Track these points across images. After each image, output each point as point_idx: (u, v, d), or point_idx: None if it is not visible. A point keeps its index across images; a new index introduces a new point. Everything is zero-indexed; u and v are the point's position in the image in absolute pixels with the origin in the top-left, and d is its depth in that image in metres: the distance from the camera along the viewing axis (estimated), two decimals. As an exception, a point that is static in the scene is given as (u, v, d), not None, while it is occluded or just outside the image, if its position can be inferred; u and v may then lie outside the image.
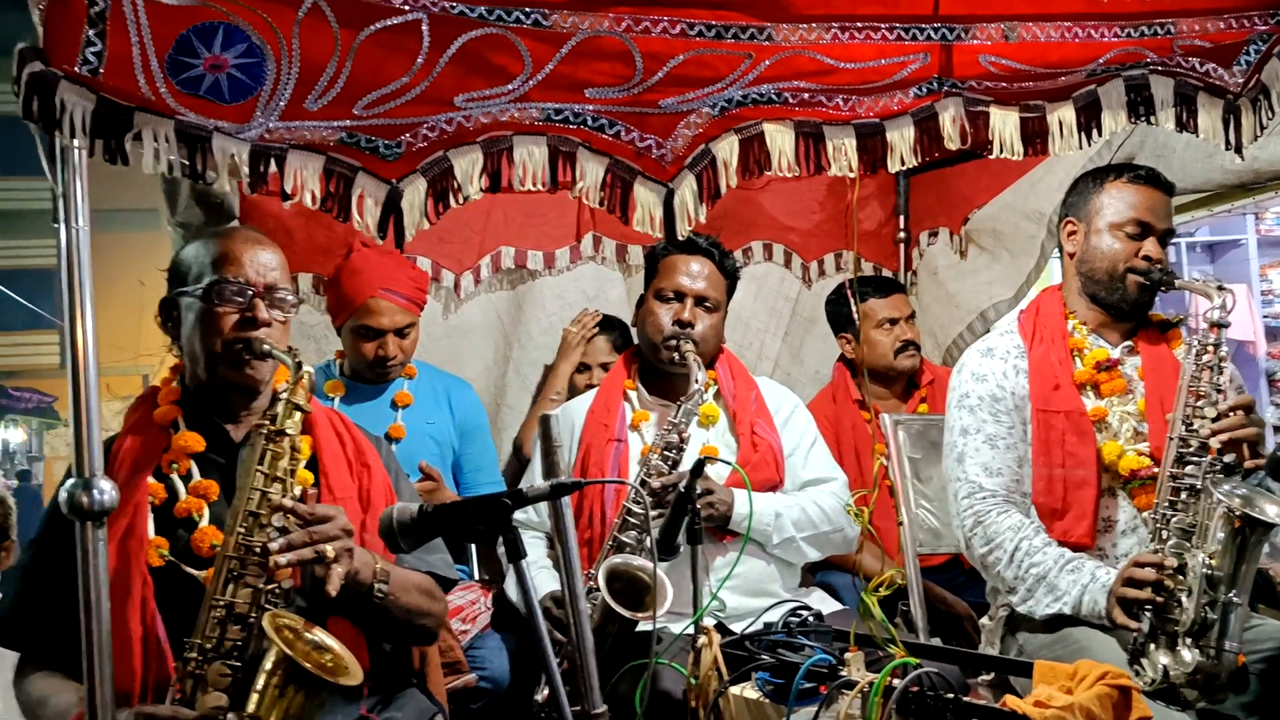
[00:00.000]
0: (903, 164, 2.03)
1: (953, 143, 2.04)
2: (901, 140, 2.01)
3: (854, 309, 3.34)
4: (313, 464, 2.11)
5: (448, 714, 2.36)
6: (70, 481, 1.54)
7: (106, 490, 1.52)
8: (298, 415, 1.94)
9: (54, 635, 1.95)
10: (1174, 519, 2.33)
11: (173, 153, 1.63)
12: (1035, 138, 2.08)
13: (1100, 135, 2.10)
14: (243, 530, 1.87)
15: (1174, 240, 4.49)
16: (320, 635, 1.84)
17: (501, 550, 2.94)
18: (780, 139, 1.95)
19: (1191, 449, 2.36)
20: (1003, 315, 3.69)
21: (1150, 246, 2.54)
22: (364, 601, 1.96)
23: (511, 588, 2.83)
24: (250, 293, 2.04)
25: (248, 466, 1.92)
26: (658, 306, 2.84)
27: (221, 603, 1.84)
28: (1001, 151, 2.07)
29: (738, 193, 3.43)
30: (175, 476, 2.05)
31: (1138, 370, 2.58)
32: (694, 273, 2.84)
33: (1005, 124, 2.04)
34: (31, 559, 2.05)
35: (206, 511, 2.02)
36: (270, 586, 1.86)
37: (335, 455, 2.13)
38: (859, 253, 3.97)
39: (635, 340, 3.05)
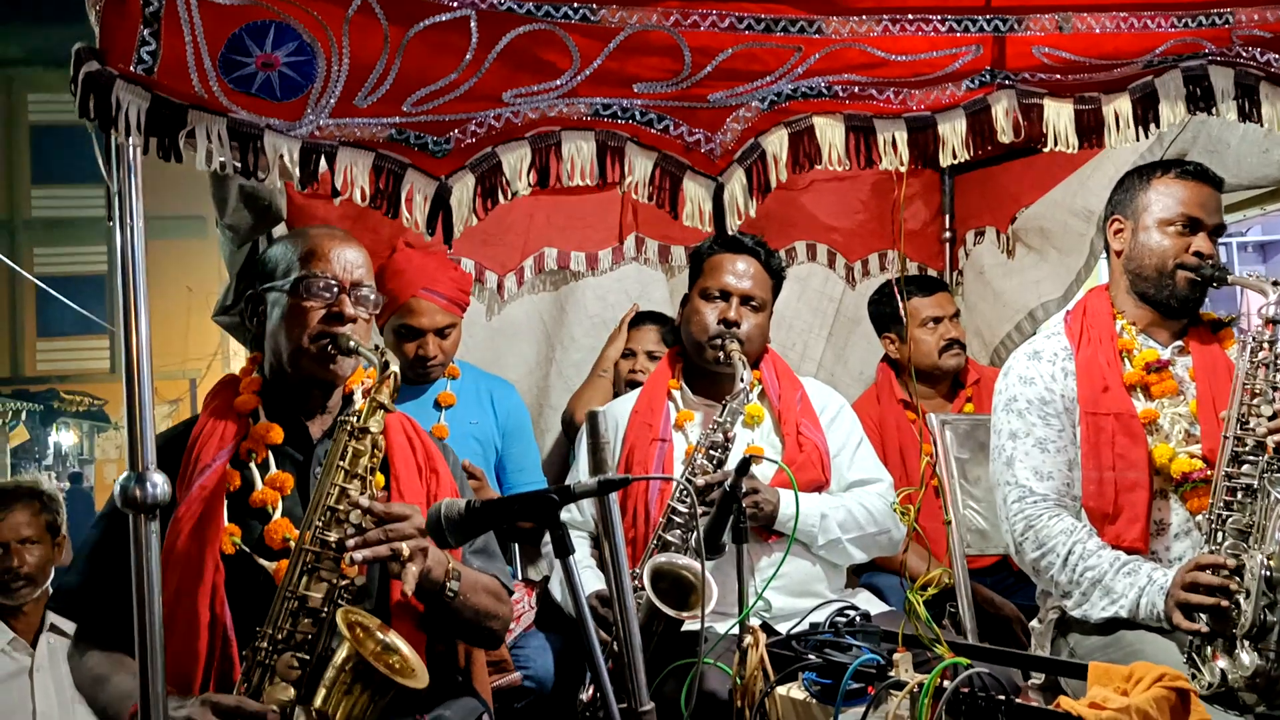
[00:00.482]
0: (954, 157, 2.00)
1: (1005, 136, 2.01)
2: (953, 133, 1.99)
3: (901, 307, 3.31)
4: (384, 466, 2.13)
5: (493, 713, 2.36)
6: (124, 475, 1.56)
7: (159, 484, 1.54)
8: (381, 414, 1.97)
9: (116, 613, 1.96)
10: (1230, 519, 2.29)
11: (225, 150, 1.65)
12: (1090, 130, 2.04)
13: (1158, 127, 2.06)
14: (320, 524, 1.90)
15: (1225, 239, 4.42)
16: (391, 636, 1.86)
17: (546, 549, 2.95)
18: (830, 132, 1.93)
19: (1247, 448, 2.31)
20: (1051, 315, 3.65)
21: (1200, 242, 2.50)
22: (434, 600, 1.98)
23: (555, 587, 2.83)
24: (336, 288, 2.08)
25: (329, 461, 1.95)
26: (703, 305, 2.83)
27: (295, 595, 1.87)
28: (1056, 145, 2.04)
29: (780, 193, 3.42)
30: (253, 466, 2.08)
31: (1189, 371, 2.54)
32: (740, 272, 2.83)
33: (1059, 116, 2.00)
34: (101, 535, 2.07)
35: (281, 504, 2.05)
36: (344, 583, 1.88)
37: (407, 460, 2.15)
38: (904, 252, 3.93)
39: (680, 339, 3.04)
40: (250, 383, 2.17)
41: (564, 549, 1.69)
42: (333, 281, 2.08)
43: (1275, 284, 2.41)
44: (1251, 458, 2.30)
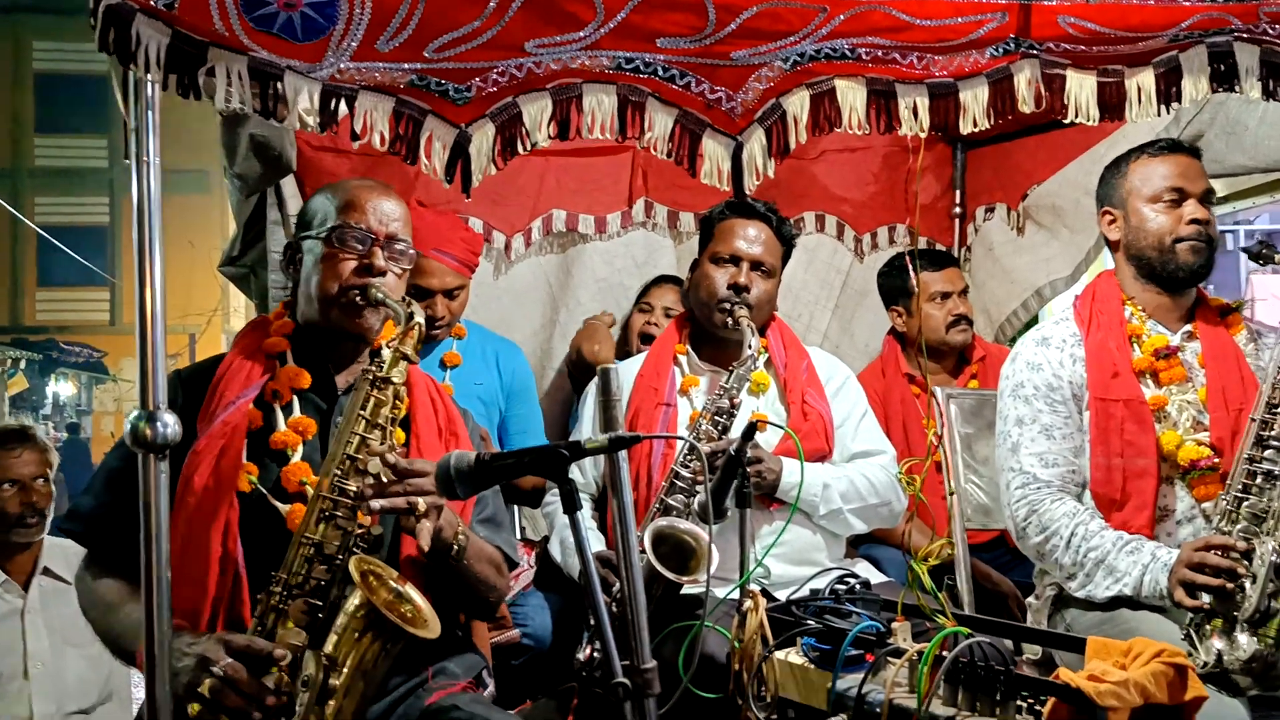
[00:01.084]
0: (974, 126, 1.99)
1: (1027, 106, 1.99)
2: (975, 101, 1.97)
3: (914, 279, 3.30)
4: (405, 423, 2.13)
5: (492, 668, 2.38)
6: (134, 413, 1.55)
7: (170, 424, 1.53)
8: (404, 365, 1.96)
9: (127, 541, 1.95)
10: (1246, 503, 2.29)
11: (244, 90, 1.63)
12: (1112, 104, 2.02)
13: (1179, 103, 2.04)
14: (339, 473, 1.89)
15: (1233, 226, 4.37)
16: (405, 587, 1.87)
17: (547, 510, 2.95)
18: (852, 95, 1.92)
19: (1273, 433, 2.30)
20: (1059, 294, 3.66)
21: (1192, 209, 2.50)
22: (440, 560, 1.98)
23: (555, 547, 2.84)
24: (370, 240, 2.07)
25: (350, 410, 1.94)
26: (713, 270, 2.82)
27: (311, 540, 1.86)
28: (1077, 117, 2.02)
29: (791, 163, 3.40)
30: (277, 407, 2.07)
31: (1198, 358, 2.53)
32: (751, 237, 2.82)
33: (1082, 88, 1.99)
34: (121, 462, 2.04)
35: (301, 448, 2.05)
36: (360, 531, 1.88)
37: (428, 419, 2.15)
38: (912, 226, 3.92)
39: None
40: (281, 325, 2.17)
41: (572, 504, 1.68)
42: (367, 233, 2.07)
43: None
44: (1276, 443, 2.29)
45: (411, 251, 2.13)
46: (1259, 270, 6.57)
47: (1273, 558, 2.17)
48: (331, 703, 1.72)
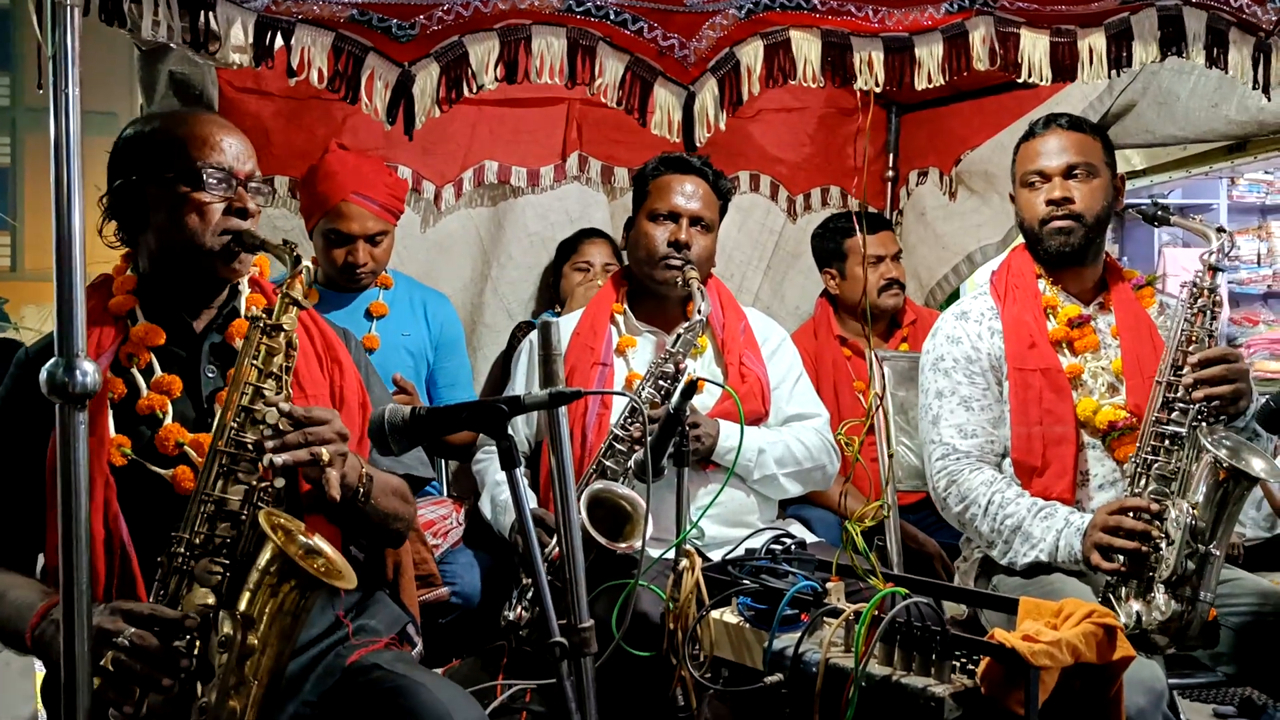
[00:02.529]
0: (929, 82, 1.97)
1: (981, 63, 1.98)
2: (930, 57, 1.95)
3: (857, 239, 3.30)
4: None
5: (419, 625, 2.33)
6: (51, 362, 1.46)
7: (90, 372, 1.44)
8: (295, 311, 1.85)
9: (6, 530, 1.89)
10: (1155, 465, 2.34)
11: (173, 19, 1.53)
12: (1064, 64, 2.03)
13: (1130, 66, 2.05)
14: (235, 425, 1.78)
15: (1145, 198, 4.47)
16: (315, 539, 1.78)
17: (478, 467, 2.90)
18: (806, 47, 1.88)
19: (1178, 395, 2.35)
20: (990, 259, 3.70)
21: (1052, 189, 2.55)
22: (347, 505, 1.89)
23: (485, 505, 2.79)
24: (234, 181, 1.93)
25: (241, 360, 1.83)
26: (652, 227, 2.77)
27: (211, 498, 1.76)
28: (1030, 76, 2.02)
29: (728, 121, 3.36)
30: (135, 371, 1.93)
31: (1111, 329, 2.59)
32: (688, 193, 2.78)
33: (1035, 48, 1.98)
34: None
35: (170, 408, 1.92)
36: (263, 485, 1.78)
37: (305, 351, 2.01)
38: (846, 189, 3.92)
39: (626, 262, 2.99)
40: (124, 282, 2.00)
41: (511, 461, 1.65)
42: (230, 173, 1.92)
43: (1219, 230, 2.45)
44: (1182, 405, 2.34)
45: (266, 189, 2.02)
46: (1172, 244, 6.75)
47: (1187, 519, 2.22)
48: (250, 661, 1.65)
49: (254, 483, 1.78)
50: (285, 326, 1.84)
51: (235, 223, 1.92)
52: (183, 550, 1.75)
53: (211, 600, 1.72)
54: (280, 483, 1.78)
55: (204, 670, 1.68)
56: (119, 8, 1.49)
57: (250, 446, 1.78)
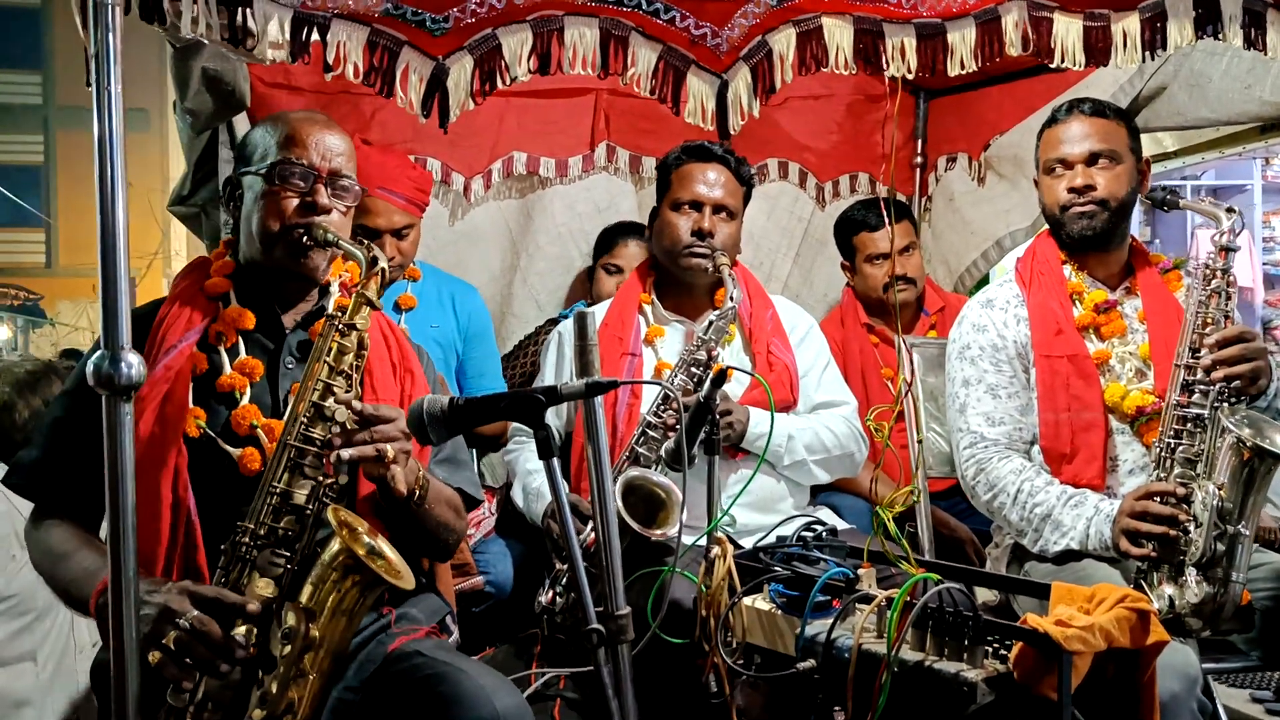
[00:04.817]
0: (962, 68, 1.97)
1: (1014, 48, 1.98)
2: (962, 43, 1.95)
3: (889, 228, 3.30)
4: None
5: (455, 613, 2.36)
6: (97, 354, 1.49)
7: (134, 365, 1.47)
8: (367, 310, 1.90)
9: (78, 488, 1.93)
10: (1179, 448, 2.33)
11: (211, 16, 1.55)
12: (1098, 48, 2.01)
13: (1165, 49, 2.03)
14: (305, 420, 1.83)
15: (1179, 181, 4.41)
16: (378, 541, 1.82)
17: (509, 457, 2.92)
18: (839, 34, 1.88)
19: (1197, 377, 2.34)
20: (1019, 244, 3.67)
21: (1073, 176, 2.53)
22: (404, 507, 1.94)
23: (517, 494, 2.81)
24: (313, 177, 1.99)
25: (314, 356, 1.89)
26: (675, 217, 2.77)
27: (278, 491, 1.81)
28: (1063, 61, 2.01)
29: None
30: (222, 350, 2.00)
31: (1138, 314, 2.58)
32: (711, 181, 2.77)
33: (1068, 32, 1.97)
34: (64, 410, 2.01)
35: (249, 390, 1.99)
36: (328, 481, 1.83)
37: (381, 358, 2.09)
38: (874, 176, 3.91)
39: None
40: (222, 265, 2.09)
41: (548, 450, 1.66)
42: (309, 169, 1.99)
43: (1230, 210, 2.43)
44: (1202, 387, 2.34)
45: (357, 188, 2.06)
46: (1204, 227, 6.68)
47: (1214, 501, 2.22)
48: (310, 653, 1.69)
49: (320, 479, 1.83)
50: (358, 325, 1.89)
51: (305, 217, 1.98)
52: (247, 540, 1.80)
53: (272, 591, 1.76)
54: (344, 479, 1.83)
55: (264, 659, 1.71)
56: (158, 6, 1.52)
57: (318, 442, 1.83)
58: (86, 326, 18.38)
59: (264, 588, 1.75)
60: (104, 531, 1.91)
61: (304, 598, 1.70)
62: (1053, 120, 2.59)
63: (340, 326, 1.89)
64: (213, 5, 1.55)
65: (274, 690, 1.67)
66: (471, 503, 2.20)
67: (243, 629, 1.68)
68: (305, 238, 1.97)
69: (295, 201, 1.99)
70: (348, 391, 1.88)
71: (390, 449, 1.83)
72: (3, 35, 18.73)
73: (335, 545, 1.69)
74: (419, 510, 1.96)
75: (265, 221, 2.00)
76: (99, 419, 1.74)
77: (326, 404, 1.84)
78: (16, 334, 18.75)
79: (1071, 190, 2.52)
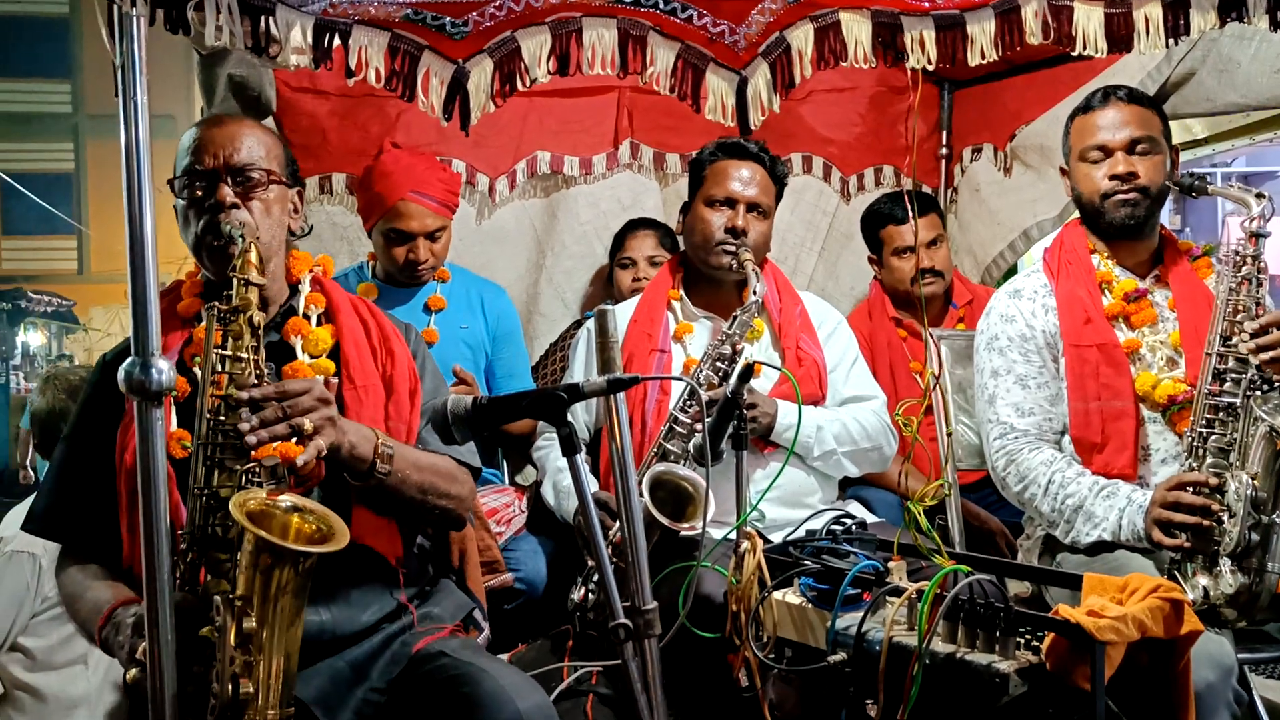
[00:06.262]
0: (982, 58, 1.96)
1: (1035, 37, 1.96)
2: (982, 33, 1.94)
3: (911, 214, 3.29)
4: (335, 353, 2.06)
5: (486, 611, 2.37)
6: (128, 361, 1.52)
7: (165, 370, 1.50)
8: (252, 291, 1.84)
9: (90, 527, 1.96)
10: (1211, 438, 2.32)
11: (234, 25, 1.57)
12: (1120, 36, 1.99)
13: (1188, 34, 2.01)
14: (210, 416, 1.79)
15: (1210, 168, 4.37)
16: (295, 498, 1.77)
17: (539, 454, 2.94)
18: (856, 28, 1.88)
19: (1229, 366, 2.33)
20: (1046, 234, 3.65)
21: (1115, 164, 2.52)
22: (367, 478, 1.90)
23: (547, 491, 2.83)
24: (211, 176, 1.95)
25: (205, 350, 1.83)
26: (709, 213, 2.77)
27: (204, 491, 1.78)
28: (1085, 49, 2.00)
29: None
30: (198, 370, 1.95)
31: (1169, 301, 2.56)
32: (745, 178, 2.77)
33: (1090, 19, 1.95)
34: (66, 451, 2.04)
35: None
36: (248, 467, 1.78)
37: (359, 343, 2.07)
38: (900, 168, 3.90)
39: (681, 248, 3.00)
40: (192, 286, 2.09)
41: (571, 447, 1.67)
42: (205, 171, 1.95)
43: (1259, 196, 2.41)
44: (1234, 375, 2.32)
45: (258, 175, 1.97)
46: (1235, 214, 6.61)
47: (1247, 490, 2.20)
48: (254, 643, 1.66)
49: (240, 468, 1.78)
50: (243, 308, 1.84)
51: (212, 217, 1.94)
52: (188, 545, 1.77)
53: (225, 587, 1.73)
54: (272, 462, 1.77)
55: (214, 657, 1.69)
56: (182, 16, 1.54)
57: (233, 433, 1.78)
58: (118, 332, 18.56)
59: (216, 585, 1.73)
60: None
61: (239, 588, 1.66)
62: (1087, 107, 2.58)
63: (221, 314, 1.84)
64: (236, 14, 1.56)
65: (218, 686, 1.64)
66: (471, 470, 2.15)
67: (206, 630, 1.68)
68: (214, 239, 1.94)
69: (200, 206, 1.95)
70: (250, 375, 1.82)
71: (307, 421, 1.78)
72: (33, 45, 18.99)
73: (246, 533, 1.65)
74: (388, 479, 1.91)
75: (188, 234, 1.98)
76: (101, 449, 1.79)
77: (230, 393, 1.79)
78: (51, 340, 19.00)
79: (1114, 177, 2.50)
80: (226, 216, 1.93)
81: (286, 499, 1.77)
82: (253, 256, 1.86)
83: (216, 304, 1.84)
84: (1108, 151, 2.52)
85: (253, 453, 1.77)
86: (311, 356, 2.05)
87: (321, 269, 2.15)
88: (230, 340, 1.83)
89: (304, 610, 1.73)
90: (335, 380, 2.01)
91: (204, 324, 1.93)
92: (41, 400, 2.99)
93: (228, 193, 1.94)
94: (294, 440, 1.78)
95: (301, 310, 2.08)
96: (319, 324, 2.09)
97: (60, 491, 2.02)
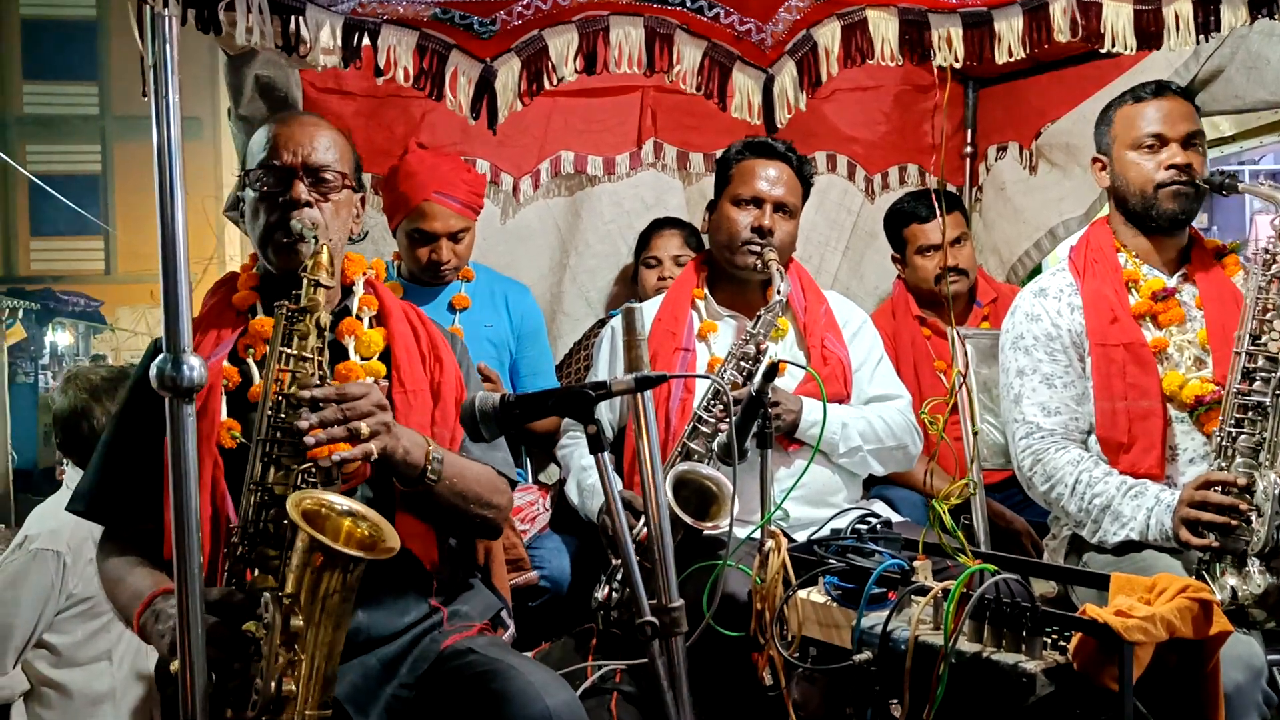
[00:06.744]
0: (1010, 56, 1.95)
1: (1063, 35, 1.95)
2: (1009, 31, 1.93)
3: (939, 215, 3.27)
4: (386, 356, 2.10)
5: (511, 609, 2.38)
6: (160, 357, 1.53)
7: (196, 367, 1.51)
8: (321, 292, 1.89)
9: (134, 511, 1.98)
10: (1240, 437, 2.30)
11: (265, 25, 1.58)
12: (1149, 32, 1.98)
13: (1219, 31, 2.00)
14: (272, 413, 1.83)
15: (1238, 165, 4.33)
16: (351, 503, 1.80)
17: (563, 452, 2.95)
18: (884, 26, 1.87)
19: (1259, 365, 2.31)
20: (1072, 233, 3.63)
21: (1172, 154, 2.49)
22: (417, 484, 1.94)
23: (571, 489, 2.84)
24: (289, 174, 2.00)
25: (271, 348, 1.88)
26: (735, 212, 2.77)
27: (259, 486, 1.82)
28: (1114, 46, 1.98)
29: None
30: (251, 361, 2.04)
31: (1195, 299, 2.54)
32: (772, 178, 2.77)
33: (1119, 16, 1.94)
34: (113, 434, 2.07)
35: None
36: (304, 467, 1.82)
37: (409, 348, 2.11)
38: (924, 167, 3.89)
39: (705, 246, 3.00)
40: (248, 279, 2.13)
41: (598, 445, 1.67)
42: (284, 167, 2.00)
43: None
44: (1263, 374, 2.30)
45: (333, 178, 2.03)
46: (1263, 212, 6.55)
47: (1276, 490, 2.20)
48: (299, 642, 1.68)
49: (296, 467, 1.82)
50: (312, 309, 1.88)
51: (285, 214, 1.99)
52: (239, 540, 1.81)
53: (272, 583, 1.76)
54: (328, 464, 1.81)
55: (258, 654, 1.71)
56: (214, 17, 1.55)
57: (291, 431, 1.82)
58: (145, 331, 18.74)
59: (262, 581, 1.76)
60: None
61: (288, 586, 1.69)
62: (1138, 97, 2.55)
63: (292, 314, 1.88)
64: (266, 14, 1.58)
65: (261, 683, 1.67)
66: (507, 482, 2.17)
67: (251, 625, 1.70)
68: (284, 235, 1.98)
69: (274, 201, 2.00)
70: (313, 376, 1.86)
71: (364, 425, 1.82)
72: (61, 48, 19.20)
73: (301, 534, 1.68)
74: (438, 485, 1.95)
75: (255, 226, 2.03)
76: (149, 437, 1.79)
77: (292, 392, 1.83)
78: (78, 339, 19.20)
79: (1173, 167, 2.48)
80: (299, 214, 1.98)
81: (342, 502, 1.80)
82: (324, 258, 1.91)
83: (286, 303, 1.89)
84: (1164, 142, 2.50)
85: (308, 452, 1.81)
86: (363, 358, 2.09)
87: (374, 272, 2.18)
88: (295, 339, 1.87)
89: (350, 613, 1.76)
90: (385, 383, 2.04)
91: (261, 318, 2.03)
92: (63, 399, 3.03)
93: (302, 190, 1.99)
94: (350, 443, 1.82)
95: (355, 311, 2.11)
96: (371, 326, 2.13)
97: (105, 473, 2.04)
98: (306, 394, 1.81)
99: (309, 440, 1.79)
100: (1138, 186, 2.53)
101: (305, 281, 1.89)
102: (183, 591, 1.53)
